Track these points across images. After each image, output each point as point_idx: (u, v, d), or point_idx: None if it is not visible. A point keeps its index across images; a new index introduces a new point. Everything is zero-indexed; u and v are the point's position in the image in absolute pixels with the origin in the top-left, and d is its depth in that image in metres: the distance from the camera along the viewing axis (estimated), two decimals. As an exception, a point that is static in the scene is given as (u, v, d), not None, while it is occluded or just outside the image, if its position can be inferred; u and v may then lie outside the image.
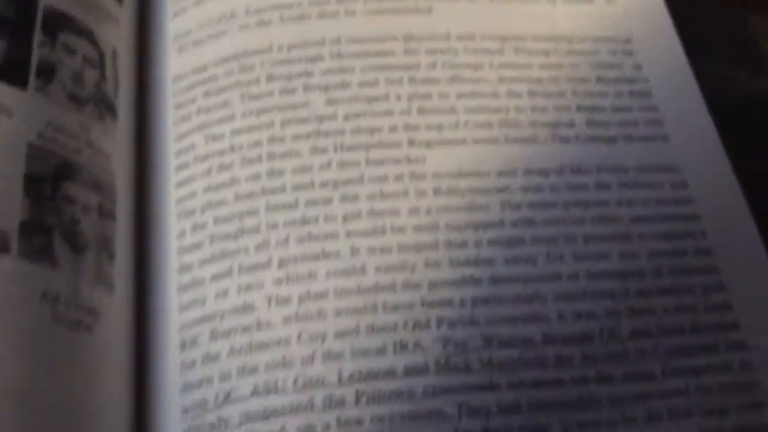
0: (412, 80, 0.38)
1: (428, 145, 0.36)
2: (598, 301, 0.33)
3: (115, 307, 0.33)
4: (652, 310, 0.33)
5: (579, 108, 0.38)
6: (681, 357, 0.33)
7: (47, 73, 0.34)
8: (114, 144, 0.36)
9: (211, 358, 0.32)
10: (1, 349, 0.28)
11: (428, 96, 0.37)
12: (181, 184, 0.36)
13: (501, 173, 0.36)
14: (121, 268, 0.34)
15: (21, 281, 0.30)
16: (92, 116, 0.35)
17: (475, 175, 0.36)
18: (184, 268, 0.34)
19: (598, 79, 0.39)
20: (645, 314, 0.33)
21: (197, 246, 0.34)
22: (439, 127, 0.37)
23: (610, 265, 0.34)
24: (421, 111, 0.37)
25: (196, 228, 0.34)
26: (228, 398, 0.31)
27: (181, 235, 0.35)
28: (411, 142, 0.36)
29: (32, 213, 0.31)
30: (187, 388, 0.32)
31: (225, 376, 0.31)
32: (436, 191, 0.35)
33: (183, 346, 0.32)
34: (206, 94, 0.37)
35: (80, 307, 0.31)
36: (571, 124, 0.38)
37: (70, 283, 0.31)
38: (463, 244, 0.34)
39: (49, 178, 0.32)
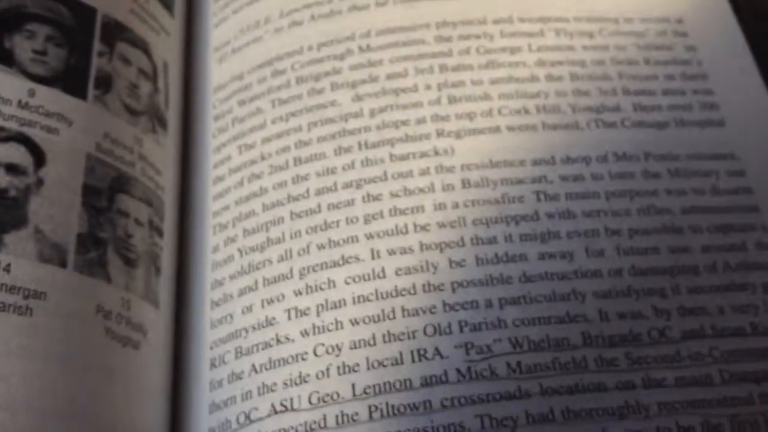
0: (443, 68, 0.32)
1: (458, 135, 0.30)
2: (645, 299, 0.27)
3: (159, 324, 0.29)
4: (706, 309, 0.26)
5: (625, 91, 0.31)
6: (740, 361, 0.26)
7: (105, 83, 0.31)
8: (164, 158, 0.32)
9: (235, 376, 0.28)
10: (54, 362, 0.25)
11: (460, 84, 0.31)
12: (217, 197, 0.31)
13: (537, 162, 0.29)
14: (165, 284, 0.30)
15: (76, 295, 0.26)
16: (145, 129, 0.31)
17: (509, 164, 0.29)
18: (216, 284, 0.30)
19: (647, 61, 0.32)
20: (698, 314, 0.26)
21: (228, 260, 0.30)
22: (471, 116, 0.30)
23: (659, 260, 0.27)
24: (452, 100, 0.31)
25: (228, 242, 0.30)
26: (248, 419, 0.26)
27: (216, 249, 0.30)
28: (439, 133, 0.30)
29: (89, 226, 0.28)
30: (214, 408, 0.28)
31: (246, 396, 0.27)
32: (465, 183, 0.29)
33: (212, 364, 0.28)
34: (241, 103, 0.33)
35: (129, 323, 0.28)
36: (616, 109, 0.31)
37: (122, 298, 0.28)
38: (492, 240, 0.28)
39: (106, 190, 0.29)
